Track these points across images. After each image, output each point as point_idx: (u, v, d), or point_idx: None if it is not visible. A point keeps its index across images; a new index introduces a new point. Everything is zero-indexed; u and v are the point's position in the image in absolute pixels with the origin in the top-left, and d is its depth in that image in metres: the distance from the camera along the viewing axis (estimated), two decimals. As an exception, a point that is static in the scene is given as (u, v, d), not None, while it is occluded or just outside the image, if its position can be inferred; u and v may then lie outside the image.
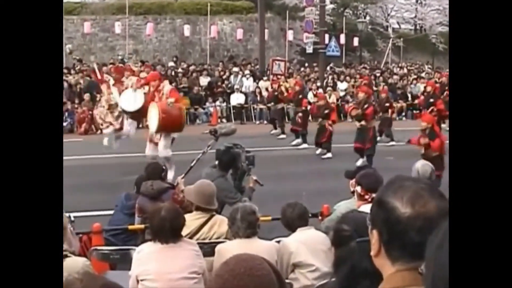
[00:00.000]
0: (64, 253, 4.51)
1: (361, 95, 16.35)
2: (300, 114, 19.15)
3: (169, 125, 12.28)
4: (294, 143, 19.22)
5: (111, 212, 8.05)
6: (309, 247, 5.36)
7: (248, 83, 28.05)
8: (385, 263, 1.92)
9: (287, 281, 5.13)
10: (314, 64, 32.40)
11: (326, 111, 17.42)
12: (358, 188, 5.76)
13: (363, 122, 15.50)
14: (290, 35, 35.54)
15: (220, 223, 6.12)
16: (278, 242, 5.77)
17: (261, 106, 26.59)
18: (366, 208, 5.06)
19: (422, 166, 6.61)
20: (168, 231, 4.87)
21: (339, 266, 3.06)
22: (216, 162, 8.19)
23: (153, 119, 12.20)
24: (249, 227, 5.37)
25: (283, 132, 21.14)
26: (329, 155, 17.00)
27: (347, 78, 31.02)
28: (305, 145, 18.75)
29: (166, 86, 13.11)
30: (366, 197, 5.66)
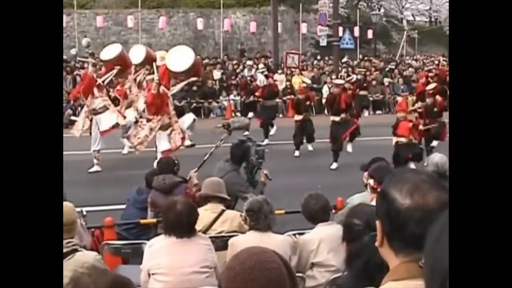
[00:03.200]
0: (75, 247, 4.50)
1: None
2: None
3: None
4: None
5: (123, 206, 8.03)
6: (330, 245, 5.23)
7: (262, 77, 27.94)
8: (389, 254, 1.95)
9: (299, 274, 5.09)
10: (330, 57, 32.21)
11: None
12: (371, 181, 5.78)
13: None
14: (303, 28, 35.41)
15: (232, 220, 6.10)
16: (293, 235, 5.74)
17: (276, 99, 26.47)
18: None
19: (440, 158, 6.51)
20: (184, 226, 4.84)
21: (353, 261, 3.01)
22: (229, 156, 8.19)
23: None
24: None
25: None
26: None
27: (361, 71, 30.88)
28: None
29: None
30: (379, 190, 5.61)
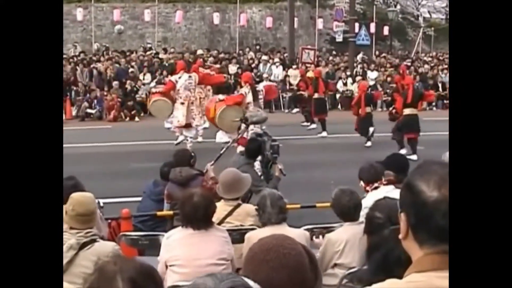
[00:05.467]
0: (94, 237, 4.54)
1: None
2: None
3: None
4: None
5: (138, 199, 8.07)
6: (357, 248, 5.05)
7: (277, 72, 27.94)
8: (413, 246, 1.94)
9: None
10: (346, 53, 32.04)
11: None
12: (361, 182, 6.12)
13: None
14: (319, 23, 35.29)
15: (247, 213, 6.11)
16: (307, 230, 5.72)
17: (290, 94, 26.44)
18: (372, 196, 5.36)
19: None
20: (201, 218, 4.85)
21: (372, 254, 3.02)
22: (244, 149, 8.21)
23: None
24: (280, 212, 5.34)
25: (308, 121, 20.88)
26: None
27: (377, 67, 30.76)
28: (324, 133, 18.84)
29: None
30: (368, 188, 6.03)
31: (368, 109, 17.03)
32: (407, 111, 15.38)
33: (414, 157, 14.05)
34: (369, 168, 6.17)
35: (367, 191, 6.04)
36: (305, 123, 20.58)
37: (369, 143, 16.76)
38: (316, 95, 19.61)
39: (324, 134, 18.78)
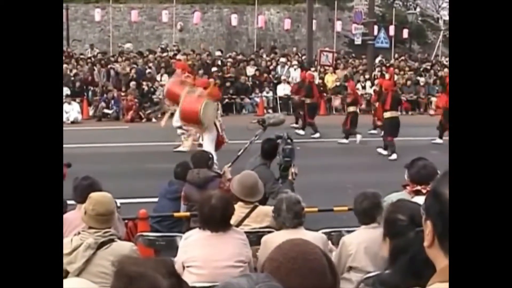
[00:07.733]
0: (112, 237, 4.56)
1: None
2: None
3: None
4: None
5: (156, 199, 8.07)
6: (371, 251, 4.92)
7: (295, 74, 27.90)
8: (439, 255, 1.89)
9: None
10: (363, 56, 31.93)
11: None
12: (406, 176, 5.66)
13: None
14: (338, 26, 35.17)
15: (262, 218, 6.08)
16: (325, 233, 5.67)
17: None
18: (419, 200, 4.98)
19: None
20: (218, 220, 4.84)
21: (397, 257, 2.95)
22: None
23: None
24: (295, 217, 5.28)
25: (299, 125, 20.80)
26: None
27: (396, 70, 30.59)
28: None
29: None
30: (408, 188, 5.58)
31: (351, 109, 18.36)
32: (387, 114, 15.83)
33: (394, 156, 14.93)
34: (421, 167, 5.60)
35: (411, 192, 5.53)
36: (296, 126, 20.42)
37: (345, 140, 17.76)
38: (308, 100, 19.88)
39: (317, 135, 19.16)
